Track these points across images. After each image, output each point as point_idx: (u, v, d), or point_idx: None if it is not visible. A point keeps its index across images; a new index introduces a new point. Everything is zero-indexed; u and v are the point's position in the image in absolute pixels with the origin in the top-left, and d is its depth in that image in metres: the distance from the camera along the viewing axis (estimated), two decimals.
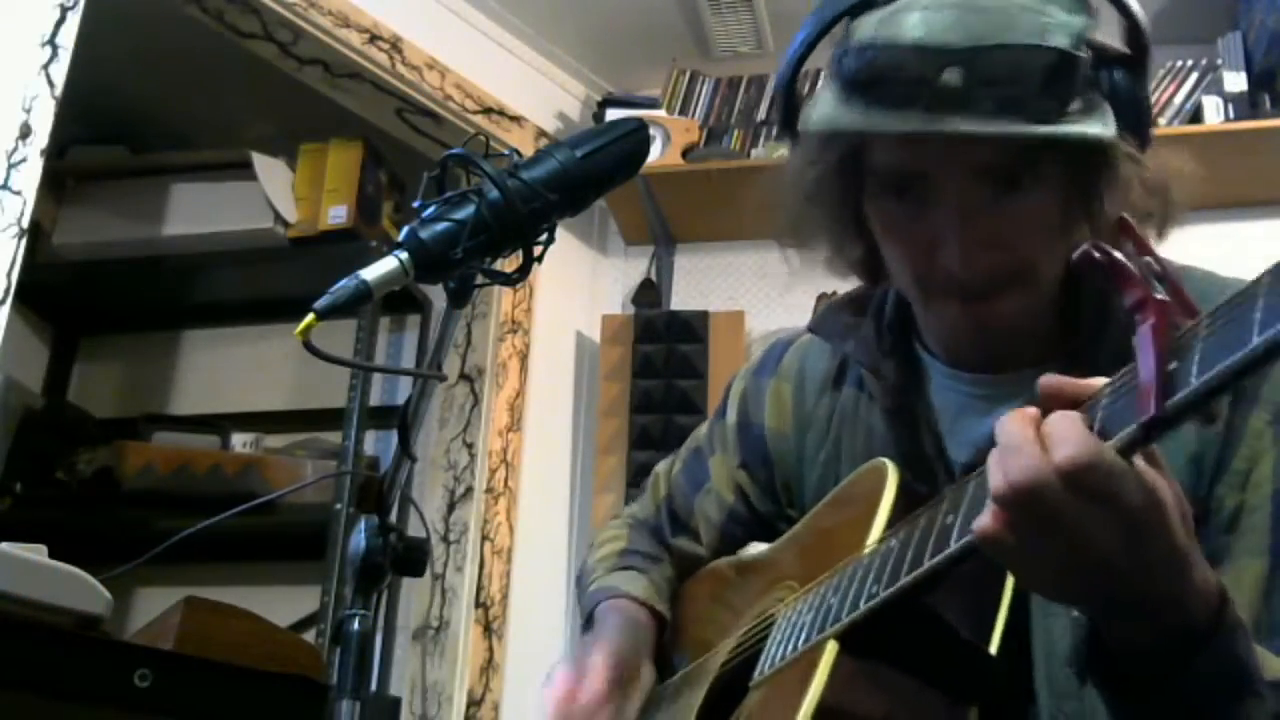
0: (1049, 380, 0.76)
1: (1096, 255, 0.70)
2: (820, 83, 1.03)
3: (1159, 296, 0.67)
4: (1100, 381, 0.74)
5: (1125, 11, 0.98)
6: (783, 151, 3.32)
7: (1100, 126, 0.94)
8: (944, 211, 0.96)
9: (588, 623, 1.29)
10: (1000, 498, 0.72)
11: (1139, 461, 0.71)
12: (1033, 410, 0.74)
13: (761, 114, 3.38)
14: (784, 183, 1.10)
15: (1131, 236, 0.70)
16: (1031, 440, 0.72)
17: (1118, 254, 0.70)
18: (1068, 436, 0.71)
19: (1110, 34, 1.00)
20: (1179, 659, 0.76)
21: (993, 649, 0.90)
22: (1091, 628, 0.81)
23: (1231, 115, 2.93)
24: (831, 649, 0.90)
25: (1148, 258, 0.69)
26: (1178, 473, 0.93)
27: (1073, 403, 0.74)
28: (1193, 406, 0.65)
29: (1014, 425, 0.73)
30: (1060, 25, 0.93)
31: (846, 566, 0.95)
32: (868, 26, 0.96)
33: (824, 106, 0.99)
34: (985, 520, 0.74)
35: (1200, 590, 0.77)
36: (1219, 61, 3.00)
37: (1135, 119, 0.97)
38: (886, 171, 0.99)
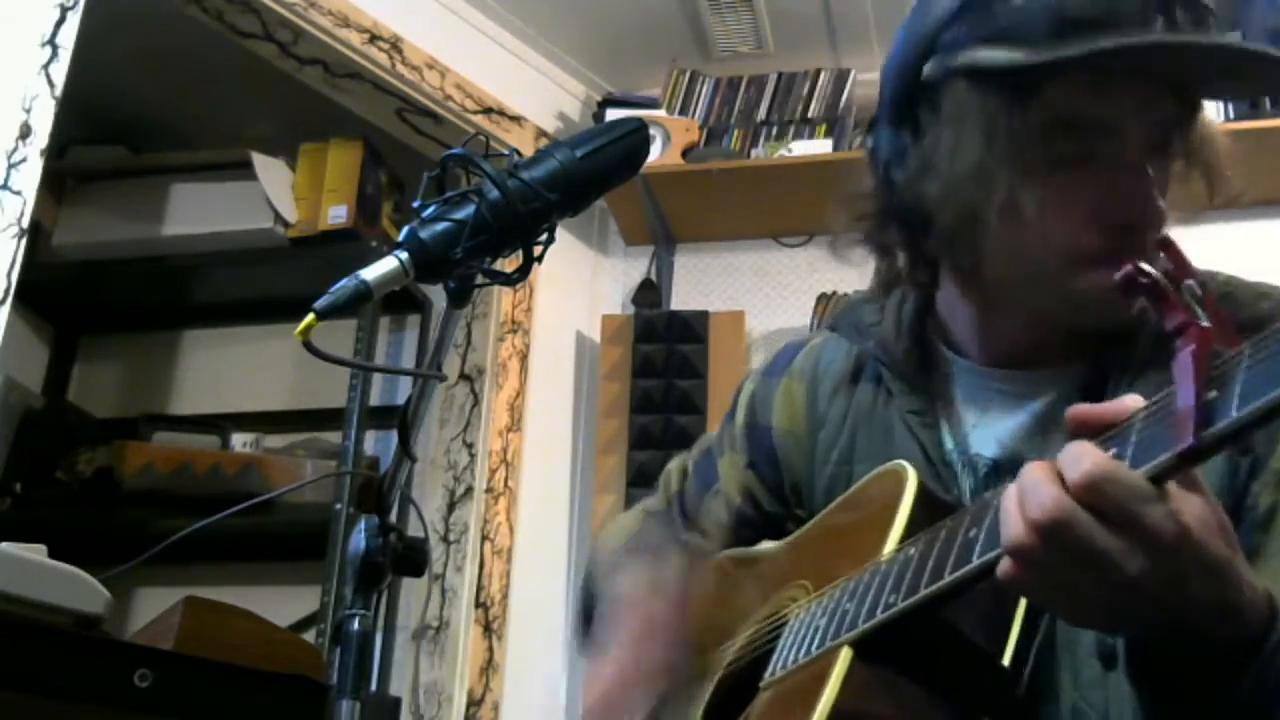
0: (1075, 411, 0.75)
1: (1140, 278, 0.69)
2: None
3: (1201, 323, 0.66)
4: (1129, 403, 0.73)
5: None
6: (783, 151, 3.32)
7: None
8: (1130, 163, 0.96)
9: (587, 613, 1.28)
10: (1018, 542, 0.72)
11: (1171, 485, 0.70)
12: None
13: (761, 114, 3.38)
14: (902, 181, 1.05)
15: (1174, 257, 0.69)
16: (1048, 476, 0.71)
17: (1161, 276, 0.68)
18: (1081, 456, 0.70)
19: None
20: (1226, 672, 0.76)
21: (1006, 660, 0.89)
22: (1132, 641, 0.80)
23: (1231, 115, 2.93)
24: (846, 655, 0.90)
25: (1190, 281, 0.68)
26: (1213, 465, 0.92)
27: (1102, 429, 0.73)
28: (1230, 438, 0.64)
29: (1031, 467, 0.73)
30: None
31: (864, 572, 0.94)
32: None
33: (1018, 54, 0.95)
34: (1004, 567, 0.74)
35: (1247, 604, 0.75)
36: None
37: None
38: (1072, 119, 0.96)
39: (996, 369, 1.08)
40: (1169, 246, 0.70)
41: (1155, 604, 0.72)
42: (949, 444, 1.09)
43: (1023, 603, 0.90)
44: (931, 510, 0.93)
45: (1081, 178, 0.97)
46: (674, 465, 1.41)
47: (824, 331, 1.27)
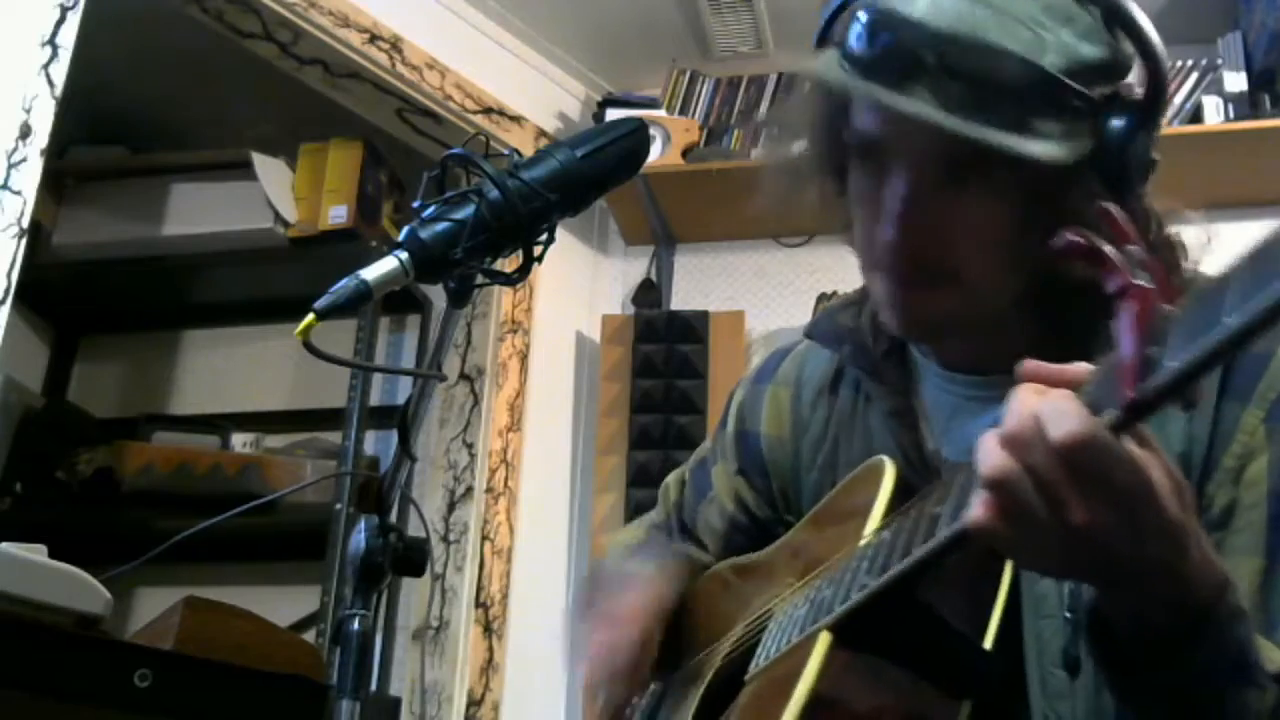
0: (1029, 365, 0.75)
1: (1079, 241, 0.70)
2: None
3: (1140, 283, 0.67)
4: (1082, 368, 0.74)
5: (1146, 53, 0.94)
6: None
7: (1056, 150, 0.91)
8: (890, 188, 0.97)
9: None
10: (993, 477, 0.72)
11: (1127, 442, 0.71)
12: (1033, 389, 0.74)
13: (762, 114, 3.38)
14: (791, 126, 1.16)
15: (1113, 226, 0.70)
16: (1030, 417, 0.72)
17: (1098, 240, 0.70)
18: (1067, 412, 0.71)
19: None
20: (1180, 635, 0.77)
21: (987, 643, 0.90)
22: (1092, 611, 0.81)
23: (1231, 115, 2.93)
24: (824, 640, 0.91)
25: (1131, 246, 0.69)
26: None
27: (1054, 386, 0.74)
28: (1168, 390, 0.65)
29: (1017, 402, 0.73)
30: (1061, 46, 0.91)
31: (842, 560, 0.95)
32: None
33: (822, 59, 1.01)
34: (977, 510, 0.74)
35: (1201, 570, 0.77)
36: (1219, 61, 3.00)
37: (1116, 167, 0.94)
38: (857, 134, 1.01)
39: (958, 373, 1.09)
40: (1107, 215, 0.71)
41: (1110, 555, 0.73)
42: (929, 444, 1.09)
43: (1003, 587, 0.91)
44: (909, 499, 0.93)
45: (874, 189, 1.00)
46: (671, 478, 1.43)
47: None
